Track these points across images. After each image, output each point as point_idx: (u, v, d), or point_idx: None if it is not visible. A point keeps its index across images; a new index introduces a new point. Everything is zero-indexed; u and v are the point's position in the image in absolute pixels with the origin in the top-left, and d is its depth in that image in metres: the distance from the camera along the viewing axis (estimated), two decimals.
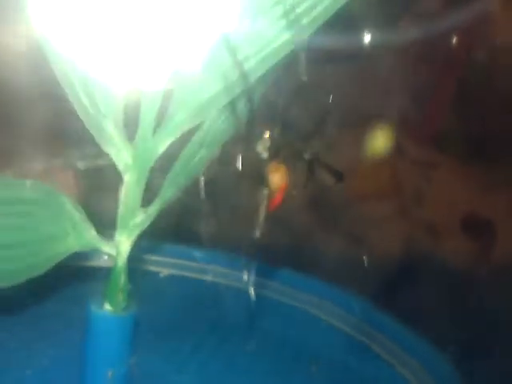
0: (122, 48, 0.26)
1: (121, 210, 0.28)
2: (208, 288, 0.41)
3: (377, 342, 0.40)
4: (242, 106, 0.27)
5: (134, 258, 0.29)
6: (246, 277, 0.30)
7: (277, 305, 0.41)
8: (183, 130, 0.27)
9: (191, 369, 0.35)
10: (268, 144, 0.28)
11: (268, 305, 0.40)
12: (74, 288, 0.35)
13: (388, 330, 0.40)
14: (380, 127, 0.43)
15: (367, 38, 0.32)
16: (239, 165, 0.27)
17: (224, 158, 0.29)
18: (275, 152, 0.28)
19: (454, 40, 0.42)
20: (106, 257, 0.29)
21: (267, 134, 0.28)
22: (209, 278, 0.42)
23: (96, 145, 0.27)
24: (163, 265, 0.42)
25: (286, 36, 0.26)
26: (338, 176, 0.28)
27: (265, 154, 0.28)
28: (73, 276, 0.34)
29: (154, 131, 0.27)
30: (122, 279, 0.29)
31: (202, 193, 0.28)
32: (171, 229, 0.38)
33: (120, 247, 0.28)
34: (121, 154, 0.27)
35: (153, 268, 0.42)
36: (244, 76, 0.26)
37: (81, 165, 0.37)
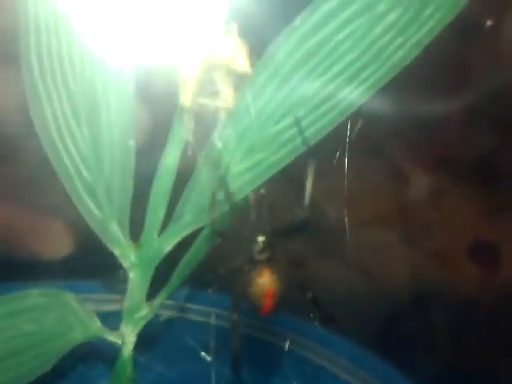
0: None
1: (126, 304, 0.28)
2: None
3: None
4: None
5: None
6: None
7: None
8: (190, 231, 0.27)
9: None
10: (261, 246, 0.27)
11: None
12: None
13: None
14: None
15: None
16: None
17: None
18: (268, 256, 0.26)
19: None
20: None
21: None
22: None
23: None
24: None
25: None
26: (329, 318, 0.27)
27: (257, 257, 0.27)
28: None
29: (161, 231, 0.27)
30: (128, 370, 0.29)
31: None
32: None
33: (125, 339, 0.28)
34: (126, 254, 0.27)
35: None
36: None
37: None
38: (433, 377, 0.40)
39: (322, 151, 0.26)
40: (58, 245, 0.39)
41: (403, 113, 0.37)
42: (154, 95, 0.25)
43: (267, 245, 0.25)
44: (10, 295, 0.26)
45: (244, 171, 0.25)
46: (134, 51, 0.24)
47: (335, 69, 0.24)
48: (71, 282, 0.39)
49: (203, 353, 0.36)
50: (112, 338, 0.28)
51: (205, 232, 0.27)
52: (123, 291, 0.28)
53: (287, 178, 0.26)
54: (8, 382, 0.26)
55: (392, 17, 0.24)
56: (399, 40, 0.24)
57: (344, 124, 0.25)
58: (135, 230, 0.27)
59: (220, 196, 0.25)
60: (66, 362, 0.28)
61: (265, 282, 0.25)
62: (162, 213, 0.26)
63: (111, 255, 0.27)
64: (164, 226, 0.27)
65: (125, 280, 0.27)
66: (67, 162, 0.25)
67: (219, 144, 0.24)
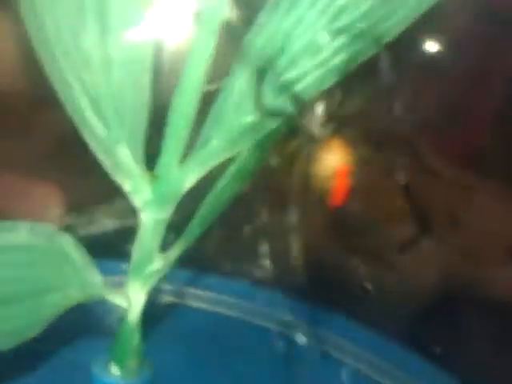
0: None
1: (135, 254, 0.22)
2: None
3: None
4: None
5: None
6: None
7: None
8: (219, 160, 0.22)
9: None
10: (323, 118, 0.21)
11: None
12: (76, 346, 0.30)
13: None
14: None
15: None
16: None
17: None
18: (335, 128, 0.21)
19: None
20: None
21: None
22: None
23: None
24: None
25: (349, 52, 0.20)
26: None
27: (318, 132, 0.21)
28: (73, 331, 0.29)
29: (182, 159, 0.21)
30: (135, 339, 0.23)
31: None
32: None
33: (133, 298, 0.23)
34: (138, 188, 0.21)
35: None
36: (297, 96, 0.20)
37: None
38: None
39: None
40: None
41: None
42: None
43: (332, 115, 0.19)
44: None
45: (293, 79, 0.20)
46: None
47: None
48: None
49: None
50: (116, 299, 0.23)
51: (235, 165, 0.22)
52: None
53: None
54: None
55: None
56: None
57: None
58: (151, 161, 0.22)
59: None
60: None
61: (334, 158, 0.19)
62: (184, 135, 0.21)
63: None
64: (186, 153, 0.22)
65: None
66: (64, 60, 0.20)
67: (263, 39, 0.19)
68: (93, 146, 0.21)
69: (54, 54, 0.21)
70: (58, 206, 0.33)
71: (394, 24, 0.21)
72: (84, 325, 0.30)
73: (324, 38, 0.20)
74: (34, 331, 0.21)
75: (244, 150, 0.22)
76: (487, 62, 0.38)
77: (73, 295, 0.22)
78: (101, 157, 0.21)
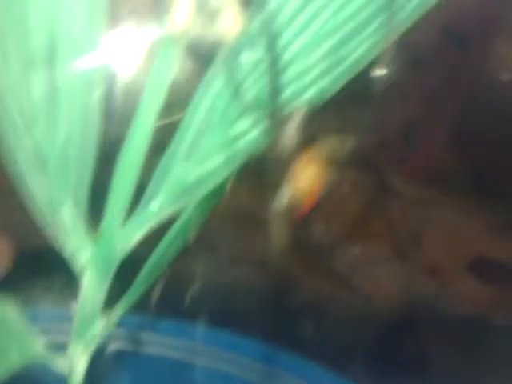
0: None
1: (78, 315, 0.22)
2: None
3: None
4: None
5: None
6: None
7: None
8: (160, 219, 0.22)
9: None
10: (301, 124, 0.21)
11: None
12: None
13: None
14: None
15: None
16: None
17: None
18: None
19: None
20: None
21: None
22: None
23: None
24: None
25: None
26: None
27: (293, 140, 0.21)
28: None
29: (125, 219, 0.21)
30: None
31: None
32: None
33: (75, 363, 0.22)
34: (80, 248, 0.21)
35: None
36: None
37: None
38: None
39: None
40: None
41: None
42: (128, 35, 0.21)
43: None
44: None
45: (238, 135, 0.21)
46: None
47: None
48: None
49: None
50: (58, 364, 0.23)
51: (180, 222, 0.22)
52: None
53: None
54: None
55: None
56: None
57: None
58: (94, 218, 0.22)
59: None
60: None
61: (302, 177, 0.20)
62: (128, 195, 0.21)
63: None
64: (130, 212, 0.22)
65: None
66: (14, 113, 0.20)
67: (216, 90, 0.19)
68: (34, 202, 0.21)
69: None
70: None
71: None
72: None
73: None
74: None
75: (186, 208, 0.22)
76: (445, 79, 0.40)
77: (12, 361, 0.22)
78: (41, 215, 0.21)
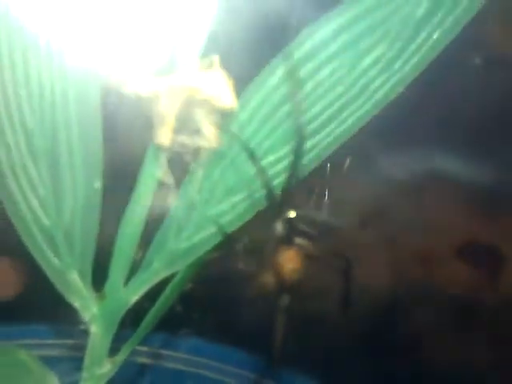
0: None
1: (87, 359, 0.25)
2: None
3: None
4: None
5: None
6: None
7: None
8: (159, 279, 0.24)
9: None
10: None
11: None
12: None
13: None
14: None
15: None
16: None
17: None
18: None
19: None
20: None
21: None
22: None
23: None
24: None
25: None
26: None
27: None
28: None
29: (127, 279, 0.24)
30: None
31: None
32: None
33: None
34: (87, 306, 0.24)
35: None
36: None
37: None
38: None
39: None
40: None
41: None
42: (123, 130, 0.23)
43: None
44: None
45: (221, 213, 0.23)
46: (102, 78, 0.21)
47: (318, 106, 0.23)
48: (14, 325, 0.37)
49: None
50: None
51: (177, 279, 0.25)
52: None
53: None
54: None
55: (378, 52, 0.22)
56: (384, 75, 0.23)
57: None
58: (99, 277, 0.24)
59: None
60: None
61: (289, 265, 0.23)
62: (129, 260, 0.24)
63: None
64: (131, 272, 0.24)
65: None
66: (22, 205, 0.23)
67: (196, 185, 0.22)
68: (46, 270, 0.24)
69: (9, 187, 0.23)
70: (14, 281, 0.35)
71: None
72: None
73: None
74: None
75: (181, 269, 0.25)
76: None
77: None
78: (53, 280, 0.24)
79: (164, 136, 0.20)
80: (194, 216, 0.23)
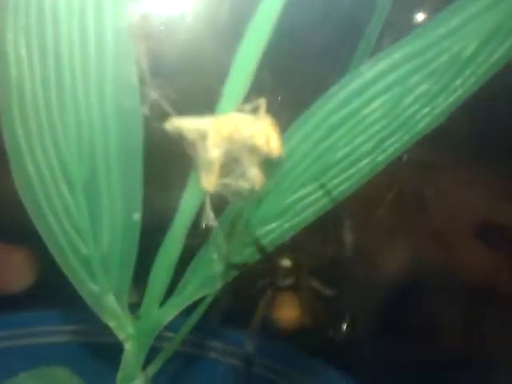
0: None
1: (121, 373, 0.26)
2: None
3: None
4: None
5: None
6: None
7: None
8: (192, 301, 0.25)
9: None
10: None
11: None
12: None
13: None
14: None
15: None
16: None
17: None
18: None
19: None
20: None
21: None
22: None
23: None
24: None
25: None
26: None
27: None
28: None
29: (163, 301, 0.25)
30: None
31: None
32: None
33: None
34: (122, 327, 0.24)
35: None
36: None
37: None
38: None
39: None
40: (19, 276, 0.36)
41: None
42: (162, 166, 0.23)
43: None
44: None
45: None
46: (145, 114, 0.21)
47: (359, 139, 0.23)
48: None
49: None
50: None
51: (206, 302, 0.25)
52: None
53: None
54: None
55: (423, 88, 0.22)
56: (427, 109, 0.23)
57: None
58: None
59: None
60: None
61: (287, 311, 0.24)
62: (165, 284, 0.24)
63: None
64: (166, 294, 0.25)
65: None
66: (58, 234, 0.23)
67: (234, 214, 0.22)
68: (81, 293, 0.24)
69: (45, 216, 0.23)
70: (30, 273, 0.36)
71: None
72: None
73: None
74: None
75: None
76: None
77: None
78: (88, 302, 0.24)
79: (210, 181, 0.20)
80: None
